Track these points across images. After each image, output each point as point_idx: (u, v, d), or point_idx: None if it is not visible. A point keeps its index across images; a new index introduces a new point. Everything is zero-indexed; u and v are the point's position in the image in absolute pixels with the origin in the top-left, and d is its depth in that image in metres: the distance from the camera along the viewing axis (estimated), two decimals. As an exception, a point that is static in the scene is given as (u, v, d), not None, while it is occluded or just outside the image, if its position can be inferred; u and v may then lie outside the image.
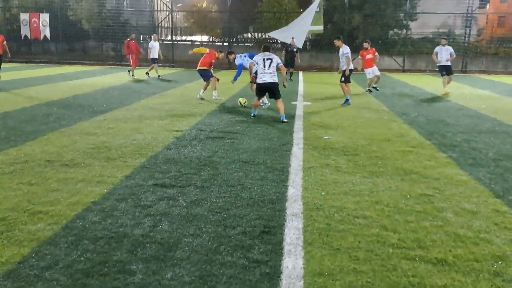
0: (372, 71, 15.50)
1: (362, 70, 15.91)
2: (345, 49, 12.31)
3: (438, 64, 15.10)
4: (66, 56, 31.24)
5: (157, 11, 33.18)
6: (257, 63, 9.77)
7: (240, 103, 11.59)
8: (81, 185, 5.18)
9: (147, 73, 20.21)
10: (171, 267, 3.40)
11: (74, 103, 11.63)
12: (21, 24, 30.10)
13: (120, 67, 26.89)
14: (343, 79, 12.45)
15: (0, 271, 3.25)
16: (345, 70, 12.43)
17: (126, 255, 3.55)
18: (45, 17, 29.77)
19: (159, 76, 20.09)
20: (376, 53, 15.51)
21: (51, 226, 4.03)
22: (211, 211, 4.49)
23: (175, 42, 30.15)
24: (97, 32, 31.39)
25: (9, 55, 13.39)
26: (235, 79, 11.80)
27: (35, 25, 29.85)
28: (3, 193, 4.85)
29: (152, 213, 4.44)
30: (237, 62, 11.77)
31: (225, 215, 4.40)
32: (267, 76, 9.54)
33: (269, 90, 9.70)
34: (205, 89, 13.04)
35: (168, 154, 6.72)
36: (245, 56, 11.76)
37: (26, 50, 32.28)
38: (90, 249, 3.63)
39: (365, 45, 15.61)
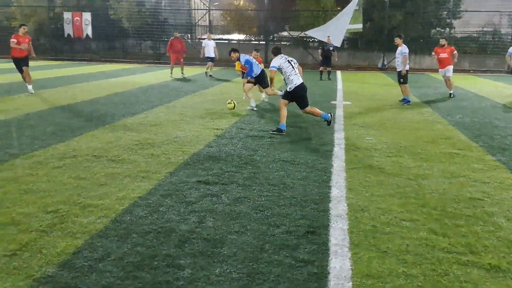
0: (445, 71, 13.98)
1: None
2: (404, 49, 12.16)
3: None
4: (107, 54, 32.05)
5: (194, 9, 33.60)
6: (280, 67, 8.26)
7: (228, 108, 10.50)
8: (127, 180, 5.30)
9: (206, 73, 19.99)
10: (219, 263, 3.44)
11: (116, 100, 11.91)
12: (64, 23, 31.08)
13: (158, 65, 27.35)
14: (401, 80, 12.36)
15: (56, 261, 3.36)
16: (401, 71, 12.30)
17: (174, 250, 3.61)
18: (87, 16, 30.65)
19: (210, 75, 19.75)
20: (455, 52, 14.00)
21: (101, 219, 4.15)
22: (254, 209, 4.51)
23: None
24: (137, 31, 32.05)
25: (34, 55, 13.16)
26: (249, 74, 11.00)
27: (77, 24, 30.78)
28: (55, 186, 5.02)
29: (196, 209, 4.49)
30: (242, 60, 10.95)
31: (268, 214, 4.41)
32: (299, 76, 8.30)
33: (305, 93, 8.35)
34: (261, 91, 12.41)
35: (209, 151, 6.79)
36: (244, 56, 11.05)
37: (69, 48, 33.28)
38: (139, 243, 3.71)
39: (442, 41, 14.10)
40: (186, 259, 3.48)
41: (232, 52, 11.13)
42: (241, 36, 33.64)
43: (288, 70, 8.20)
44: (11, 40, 12.59)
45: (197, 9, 33.92)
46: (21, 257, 3.42)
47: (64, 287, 3.04)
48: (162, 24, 31.64)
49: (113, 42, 33.86)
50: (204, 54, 19.93)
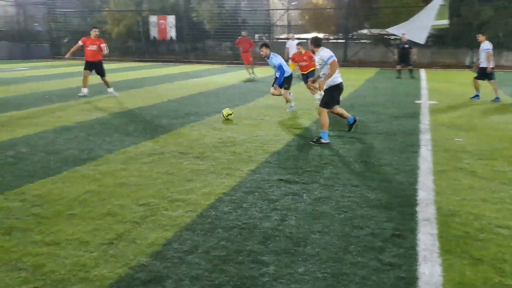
0: None
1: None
2: (486, 45, 11.83)
3: None
4: (189, 55, 33.26)
5: (273, 10, 33.84)
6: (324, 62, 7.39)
7: (223, 115, 9.32)
8: (211, 177, 5.48)
9: (297, 75, 19.53)
10: (302, 261, 3.44)
11: (199, 99, 12.33)
12: (150, 26, 32.71)
13: (237, 65, 27.89)
14: (488, 76, 11.96)
15: (149, 251, 3.56)
16: (484, 68, 11.90)
17: (258, 246, 3.67)
18: (171, 19, 32.03)
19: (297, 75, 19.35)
20: None
21: (189, 213, 4.32)
22: (337, 210, 4.46)
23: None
24: (217, 32, 32.92)
25: (106, 52, 12.54)
26: (279, 82, 9.83)
27: (162, 26, 32.26)
28: (145, 181, 5.31)
29: (278, 207, 4.53)
30: (276, 62, 9.80)
31: (351, 215, 4.33)
32: (339, 74, 7.54)
33: (340, 93, 7.64)
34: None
35: (289, 150, 6.81)
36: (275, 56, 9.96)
37: (153, 50, 34.96)
38: (224, 238, 3.82)
39: None
40: (270, 256, 3.52)
41: (264, 47, 9.74)
42: (319, 35, 33.36)
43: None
44: (79, 42, 12.60)
45: (276, 9, 34.12)
46: (117, 246, 3.65)
47: (157, 276, 3.20)
48: (241, 25, 32.23)
49: (194, 43, 35.04)
50: (288, 55, 19.42)
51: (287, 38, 19.61)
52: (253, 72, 19.49)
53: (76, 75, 19.26)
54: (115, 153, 6.53)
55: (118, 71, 22.15)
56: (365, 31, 31.53)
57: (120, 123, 8.80)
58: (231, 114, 9.24)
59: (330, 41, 31.36)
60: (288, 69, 10.13)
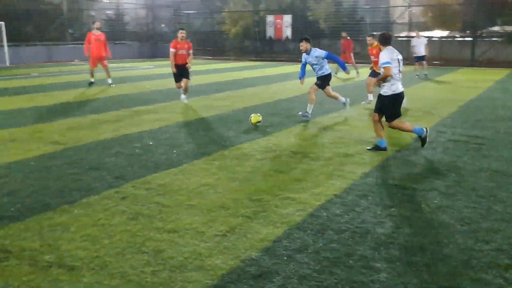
0: None
1: None
2: None
3: None
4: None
5: (393, 7, 32.52)
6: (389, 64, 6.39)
7: (251, 122, 8.41)
8: (322, 177, 5.43)
9: (425, 74, 18.20)
10: (417, 272, 3.25)
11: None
12: (266, 26, 33.46)
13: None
14: None
15: (259, 246, 3.64)
16: None
17: (370, 252, 3.56)
18: (287, 18, 32.43)
19: (425, 74, 18.11)
20: None
21: (299, 213, 4.33)
22: (459, 221, 4.14)
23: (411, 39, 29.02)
24: (332, 31, 32.56)
25: (189, 65, 10.86)
26: (344, 66, 9.51)
27: (278, 26, 32.80)
28: (258, 177, 5.45)
29: (393, 213, 4.34)
30: (321, 53, 8.94)
31: (475, 227, 4.00)
32: (400, 82, 6.61)
33: (400, 105, 6.72)
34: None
35: (405, 154, 6.50)
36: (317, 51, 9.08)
37: (269, 50, 35.69)
38: (335, 240, 3.76)
39: None
40: (382, 263, 3.39)
41: (304, 41, 8.97)
42: (444, 33, 31.24)
43: (394, 71, 6.43)
44: (170, 50, 10.83)
45: (397, 6, 32.74)
46: (230, 238, 3.79)
47: (266, 271, 3.26)
48: (358, 23, 31.48)
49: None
50: (415, 53, 18.32)
51: (412, 36, 18.30)
52: (357, 72, 19.00)
53: (196, 73, 20.44)
54: (230, 149, 6.79)
55: (234, 70, 22.99)
56: (496, 28, 28.85)
57: (235, 120, 9.12)
58: (259, 122, 8.38)
59: (455, 39, 29.30)
60: (327, 70, 9.22)
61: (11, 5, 28.45)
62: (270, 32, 33.34)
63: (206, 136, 7.65)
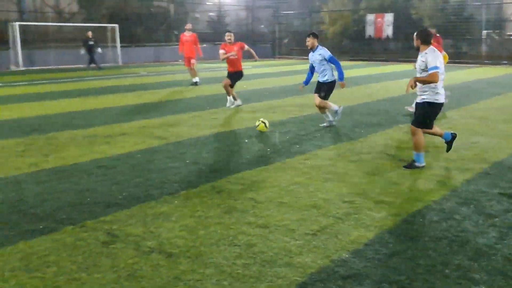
0: None
1: None
2: None
3: None
4: (404, 54, 32.02)
5: (507, 3, 29.96)
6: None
7: (259, 129, 7.89)
8: (419, 182, 5.22)
9: None
10: (522, 289, 3.01)
11: (412, 99, 11.79)
12: (366, 25, 32.62)
13: (458, 65, 25.64)
14: None
15: (350, 248, 3.60)
16: None
17: (468, 262, 3.36)
18: (389, 17, 31.33)
19: None
20: None
21: (393, 217, 4.21)
22: None
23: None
24: (438, 29, 30.82)
25: (256, 58, 10.69)
26: (342, 76, 7.93)
27: (379, 25, 31.82)
28: (351, 179, 5.37)
29: (497, 223, 4.05)
30: (326, 54, 7.95)
31: None
32: (442, 90, 5.73)
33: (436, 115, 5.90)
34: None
35: (515, 162, 6.00)
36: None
37: (368, 49, 34.74)
38: (430, 247, 3.60)
39: None
40: (481, 274, 3.18)
41: (311, 37, 8.06)
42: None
43: (442, 77, 5.64)
44: (219, 51, 10.31)
45: (511, 3, 30.10)
46: (320, 238, 3.80)
47: (356, 273, 3.22)
48: (466, 20, 29.45)
49: (411, 42, 33.51)
50: None
51: None
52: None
53: (292, 73, 20.57)
54: (324, 149, 6.77)
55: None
56: None
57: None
58: (264, 131, 7.88)
59: None
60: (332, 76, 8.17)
61: (124, 10, 30.94)
62: (369, 31, 32.48)
63: (299, 136, 7.70)
